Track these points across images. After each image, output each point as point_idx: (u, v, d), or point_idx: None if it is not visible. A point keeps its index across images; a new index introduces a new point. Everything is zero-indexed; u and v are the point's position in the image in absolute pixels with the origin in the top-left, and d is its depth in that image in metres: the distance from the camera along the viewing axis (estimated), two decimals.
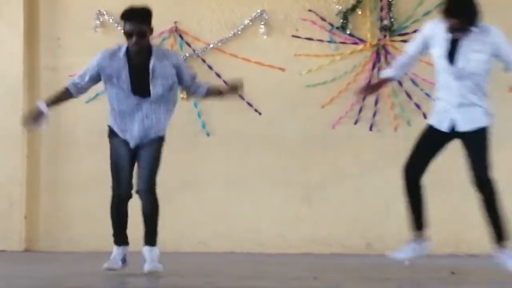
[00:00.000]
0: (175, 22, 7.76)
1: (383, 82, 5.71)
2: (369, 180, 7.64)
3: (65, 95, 5.50)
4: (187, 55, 7.70)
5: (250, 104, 7.69)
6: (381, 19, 7.67)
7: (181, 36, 7.73)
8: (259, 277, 5.64)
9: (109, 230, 5.51)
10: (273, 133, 7.70)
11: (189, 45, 7.74)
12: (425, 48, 5.44)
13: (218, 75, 7.68)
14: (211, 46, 7.75)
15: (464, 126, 5.32)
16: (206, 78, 7.67)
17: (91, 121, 7.69)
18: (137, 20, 5.23)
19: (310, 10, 7.72)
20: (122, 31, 5.30)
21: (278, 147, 7.71)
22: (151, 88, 5.33)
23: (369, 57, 7.70)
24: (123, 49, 5.34)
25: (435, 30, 5.35)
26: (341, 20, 7.64)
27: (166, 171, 7.65)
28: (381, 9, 7.67)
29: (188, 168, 7.72)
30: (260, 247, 7.65)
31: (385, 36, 7.67)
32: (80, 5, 7.83)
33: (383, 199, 7.51)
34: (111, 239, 5.50)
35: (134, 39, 5.22)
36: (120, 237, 5.53)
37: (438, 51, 5.34)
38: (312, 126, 7.69)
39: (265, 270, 6.11)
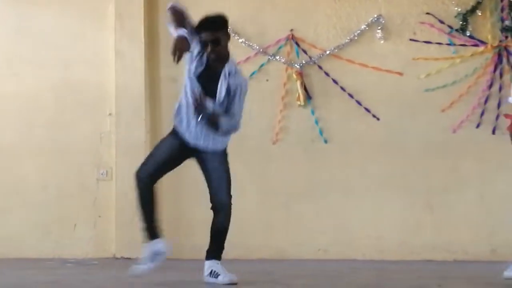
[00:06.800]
0: (291, 30, 7.78)
1: None
2: (492, 185, 7.46)
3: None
4: (304, 62, 7.71)
5: (368, 110, 7.63)
6: (502, 20, 7.49)
7: (297, 44, 7.75)
8: (381, 285, 5.59)
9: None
10: (392, 138, 7.61)
11: (305, 52, 7.73)
12: None
13: (335, 81, 7.66)
14: (327, 52, 7.73)
15: None
16: (323, 85, 7.74)
17: None
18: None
19: (428, 13, 7.60)
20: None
21: (397, 152, 7.61)
22: None
23: (490, 59, 7.52)
24: None
25: None
26: (460, 22, 7.49)
27: (285, 178, 7.78)
28: (502, 10, 7.49)
29: (306, 175, 7.72)
30: (382, 254, 7.57)
31: (506, 37, 7.49)
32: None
33: (508, 204, 7.30)
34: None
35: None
36: None
37: None
38: (433, 131, 7.57)
39: (388, 277, 6.05)
